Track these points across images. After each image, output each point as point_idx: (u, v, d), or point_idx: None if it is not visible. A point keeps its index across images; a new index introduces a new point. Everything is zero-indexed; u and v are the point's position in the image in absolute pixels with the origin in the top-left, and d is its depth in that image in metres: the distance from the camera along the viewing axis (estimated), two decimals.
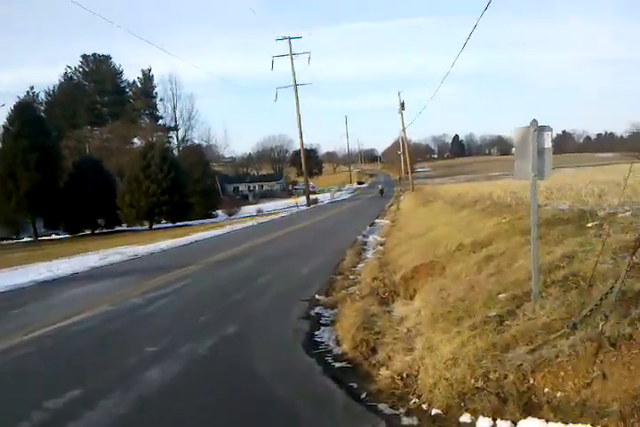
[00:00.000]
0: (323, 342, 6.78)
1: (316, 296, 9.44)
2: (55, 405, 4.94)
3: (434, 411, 4.24)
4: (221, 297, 9.63)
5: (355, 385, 5.18)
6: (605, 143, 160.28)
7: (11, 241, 54.21)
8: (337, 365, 5.85)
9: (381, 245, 16.34)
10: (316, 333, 7.22)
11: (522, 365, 4.06)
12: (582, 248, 6.51)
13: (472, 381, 4.20)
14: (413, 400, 4.55)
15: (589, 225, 8.13)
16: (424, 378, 4.72)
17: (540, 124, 4.94)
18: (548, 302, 4.92)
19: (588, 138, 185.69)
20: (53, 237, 56.34)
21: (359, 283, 10.64)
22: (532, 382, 3.93)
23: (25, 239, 55.88)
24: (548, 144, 4.91)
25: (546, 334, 4.31)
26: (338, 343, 6.67)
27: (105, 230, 54.51)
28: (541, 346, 4.15)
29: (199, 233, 26.79)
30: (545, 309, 4.81)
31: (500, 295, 5.92)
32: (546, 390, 3.84)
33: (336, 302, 8.96)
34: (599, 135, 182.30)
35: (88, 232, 54.30)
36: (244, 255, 15.37)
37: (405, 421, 4.23)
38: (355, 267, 12.71)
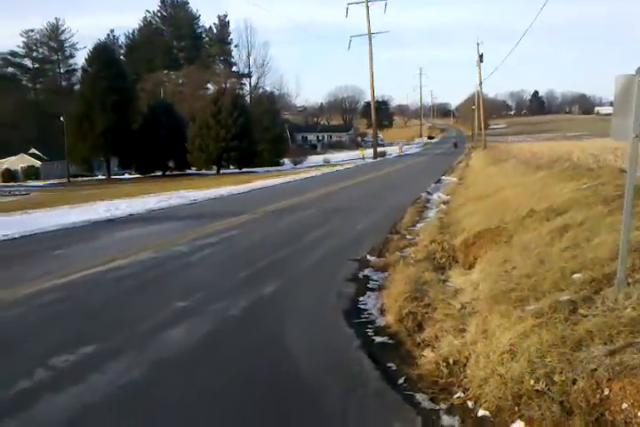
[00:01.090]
0: (366, 311, 6.17)
1: (368, 257, 8.80)
2: (61, 363, 4.58)
3: (481, 412, 3.57)
4: (268, 251, 9.14)
5: (394, 367, 4.56)
6: None
7: (85, 178, 56.40)
8: (378, 339, 5.23)
9: (445, 203, 15.40)
10: (361, 299, 6.61)
11: (596, 370, 3.28)
12: None
13: (531, 381, 3.47)
14: (458, 394, 3.88)
15: None
16: (474, 369, 4.03)
17: None
18: (636, 290, 4.06)
19: None
20: (126, 176, 58.17)
21: (416, 244, 9.90)
22: (607, 393, 3.16)
23: (99, 177, 57.90)
24: None
25: (631, 334, 3.49)
26: (382, 313, 6.04)
27: (174, 173, 55.61)
28: (624, 349, 3.34)
29: (261, 181, 26.53)
30: (631, 299, 3.96)
31: (574, 275, 5.07)
32: (624, 405, 3.07)
33: (388, 264, 8.29)
34: None
35: (159, 173, 55.63)
36: (300, 207, 14.84)
37: (446, 421, 3.58)
38: (414, 226, 11.93)
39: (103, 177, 55.59)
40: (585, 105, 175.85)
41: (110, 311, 6.05)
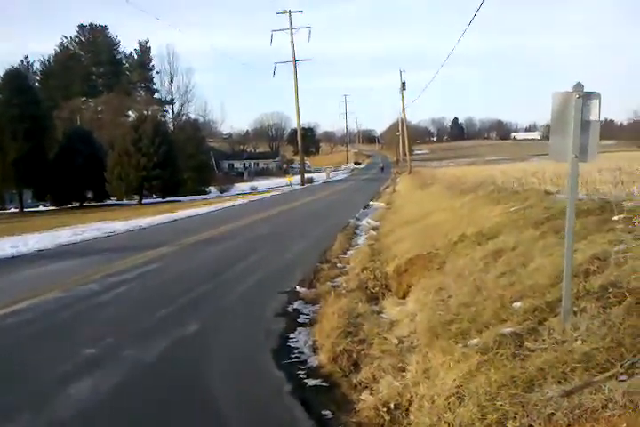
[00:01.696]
0: (297, 349, 5.67)
1: (297, 288, 8.34)
2: None
3: None
4: (189, 286, 8.49)
5: (329, 415, 4.09)
6: (604, 131, 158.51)
7: None
8: (310, 382, 4.74)
9: (375, 229, 15.22)
10: (291, 335, 6.11)
11: (554, 414, 2.94)
12: (614, 247, 5.37)
13: None
14: None
15: (615, 218, 6.99)
16: (418, 415, 3.62)
17: (585, 90, 3.75)
18: (584, 320, 3.79)
19: None
20: (41, 208, 55.14)
21: (347, 273, 9.54)
22: None
23: (11, 210, 54.59)
24: (595, 116, 3.72)
25: (586, 371, 3.19)
26: (315, 351, 5.56)
27: (93, 204, 53.24)
28: (581, 388, 3.02)
29: (185, 210, 25.59)
30: (580, 330, 3.68)
31: (515, 304, 4.80)
32: None
33: (319, 295, 7.85)
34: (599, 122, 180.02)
35: (76, 205, 53.07)
36: (226, 237, 14.21)
37: None
38: (344, 254, 11.60)
39: (16, 210, 52.40)
40: (502, 131, 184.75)
41: (3, 364, 5.24)
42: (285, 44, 61.25)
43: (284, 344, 5.81)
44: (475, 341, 4.31)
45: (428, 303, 5.95)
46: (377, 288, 8.24)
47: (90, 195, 54.44)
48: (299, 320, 6.72)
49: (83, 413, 4.13)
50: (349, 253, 11.72)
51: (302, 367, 5.12)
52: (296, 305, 7.42)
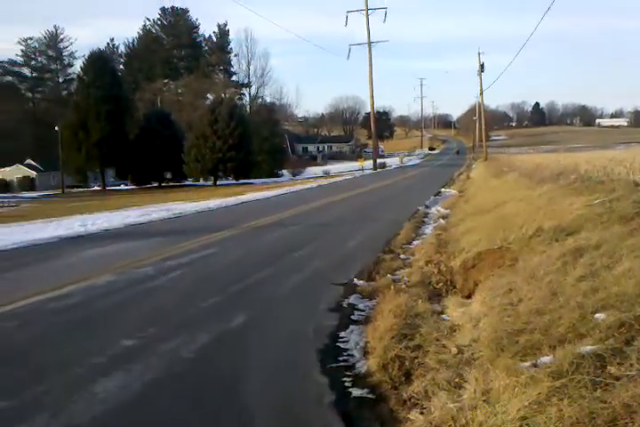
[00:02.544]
0: (346, 351, 5.20)
1: (355, 280, 7.85)
2: None
3: None
4: (244, 273, 8.19)
5: None
6: None
7: (80, 189, 55.56)
8: (355, 393, 4.27)
9: (444, 218, 14.46)
10: (342, 334, 5.65)
11: None
12: None
13: None
14: None
15: None
16: None
17: None
18: None
19: None
20: (122, 187, 57.34)
21: (410, 265, 8.95)
22: None
23: (94, 188, 57.07)
24: None
25: None
26: (365, 355, 5.07)
27: (171, 184, 54.75)
28: None
29: (255, 193, 25.64)
30: None
31: (597, 315, 4.11)
32: None
33: (377, 289, 7.34)
34: None
35: (155, 184, 54.76)
36: (290, 221, 13.90)
37: None
38: (409, 244, 11.00)
39: (99, 188, 54.75)
40: (586, 117, 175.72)
41: (34, 355, 5.06)
42: (361, 26, 60.32)
43: (333, 344, 5.36)
44: (546, 359, 3.68)
45: (496, 307, 5.32)
46: (441, 284, 7.62)
47: (169, 175, 56.03)
48: (352, 317, 6.25)
49: (101, 416, 3.84)
50: (415, 243, 11.10)
51: (349, 374, 4.65)
52: (352, 299, 6.95)
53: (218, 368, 4.73)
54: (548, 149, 73.59)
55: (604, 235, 6.36)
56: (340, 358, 5.01)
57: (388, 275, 8.21)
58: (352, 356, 5.11)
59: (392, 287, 7.23)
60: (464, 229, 11.23)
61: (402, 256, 9.78)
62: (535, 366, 3.64)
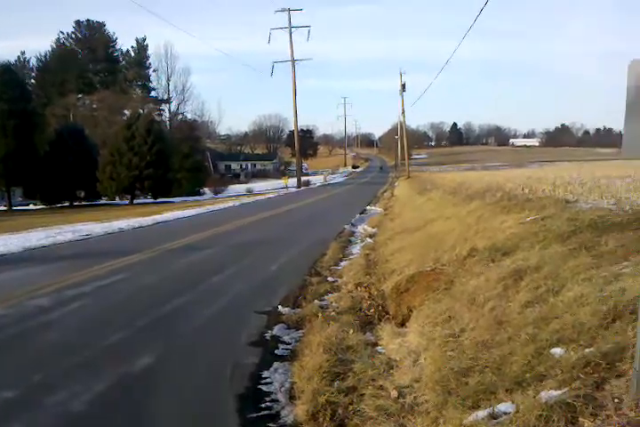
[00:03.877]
0: (270, 395, 4.48)
1: (280, 308, 7.16)
2: None
3: None
4: (154, 302, 7.29)
5: None
6: (604, 139, 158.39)
7: None
8: None
9: (371, 237, 14.05)
10: (265, 374, 4.92)
11: None
12: None
13: None
14: None
15: None
16: None
17: None
18: None
19: (586, 132, 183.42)
20: (31, 207, 53.84)
21: (339, 289, 8.36)
22: None
23: (1, 208, 53.28)
24: None
25: None
26: (292, 400, 4.37)
27: (84, 203, 51.94)
28: None
29: (173, 212, 24.35)
30: None
31: (555, 350, 3.62)
32: None
33: (304, 317, 6.70)
34: (598, 130, 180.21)
35: (67, 204, 51.78)
36: (208, 243, 12.99)
37: None
38: (337, 265, 10.43)
39: (4, 208, 51.08)
40: (500, 137, 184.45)
41: None
42: (284, 44, 60.54)
43: (254, 387, 4.63)
44: (504, 407, 3.13)
45: (436, 338, 4.77)
46: (372, 310, 7.08)
47: (82, 194, 53.16)
48: (277, 352, 5.53)
49: None
50: (343, 264, 10.54)
51: (272, 426, 3.93)
52: (276, 330, 6.24)
53: (113, 423, 3.88)
54: (467, 167, 76.10)
55: (543, 255, 6.01)
56: (263, 405, 4.29)
57: (316, 300, 7.58)
58: (276, 401, 4.39)
59: (320, 315, 6.61)
60: (393, 249, 10.81)
61: (329, 279, 9.18)
62: (494, 417, 3.06)
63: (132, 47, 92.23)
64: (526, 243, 6.89)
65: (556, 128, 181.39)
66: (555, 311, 4.30)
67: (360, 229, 15.87)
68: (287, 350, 5.61)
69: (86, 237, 15.00)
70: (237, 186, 64.72)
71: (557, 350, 3.61)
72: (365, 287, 8.16)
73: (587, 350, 3.45)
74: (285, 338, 6.02)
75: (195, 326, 6.32)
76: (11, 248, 12.62)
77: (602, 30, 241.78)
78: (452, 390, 3.60)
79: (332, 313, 6.82)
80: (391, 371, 4.54)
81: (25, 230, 17.64)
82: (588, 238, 6.17)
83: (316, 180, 66.88)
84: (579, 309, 4.12)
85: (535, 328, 4.11)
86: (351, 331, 5.90)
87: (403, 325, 6.32)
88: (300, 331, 6.24)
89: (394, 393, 3.98)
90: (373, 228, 15.71)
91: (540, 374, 3.37)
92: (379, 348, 5.34)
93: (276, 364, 5.16)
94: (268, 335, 6.06)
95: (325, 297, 7.85)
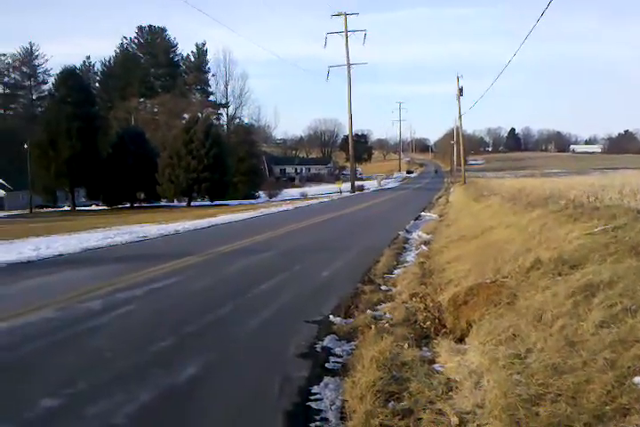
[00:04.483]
0: (319, 414, 4.23)
1: (331, 317, 6.91)
2: None
3: None
4: (204, 308, 7.18)
5: None
6: None
7: (50, 209, 53.81)
8: None
9: (426, 244, 13.63)
10: (315, 390, 4.67)
11: None
12: None
13: None
14: None
15: None
16: None
17: None
18: None
19: None
20: (93, 207, 55.74)
21: (392, 299, 8.04)
22: None
23: (64, 208, 55.43)
24: None
25: None
26: (343, 419, 4.11)
27: (143, 205, 53.36)
28: None
29: (228, 215, 24.59)
30: None
31: (637, 379, 3.23)
32: None
33: (356, 328, 6.42)
34: None
35: (127, 205, 53.34)
36: (261, 247, 12.91)
37: None
38: (390, 273, 10.11)
39: (68, 208, 53.05)
40: (560, 143, 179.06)
41: None
42: (340, 49, 60.53)
43: (303, 404, 4.38)
44: None
45: (499, 358, 4.40)
46: (428, 322, 6.71)
47: (142, 196, 54.65)
48: (327, 365, 5.28)
49: None
50: (396, 272, 10.21)
51: None
52: (327, 342, 5.98)
53: None
54: (525, 173, 74.00)
55: (617, 270, 5.54)
56: (312, 425, 4.03)
57: (368, 310, 7.28)
58: (327, 421, 4.13)
59: (373, 327, 6.32)
60: (449, 258, 10.40)
61: (383, 287, 8.87)
62: None
63: (192, 52, 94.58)
64: (596, 255, 6.40)
65: (619, 134, 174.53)
66: (635, 334, 3.89)
67: (415, 235, 15.47)
68: (338, 363, 5.35)
69: (143, 238, 15.20)
70: (292, 190, 65.14)
71: None
72: (421, 298, 7.80)
73: None
74: (337, 350, 5.75)
75: (244, 334, 6.15)
76: (70, 248, 12.89)
77: None
78: (520, 421, 3.26)
79: (386, 325, 6.52)
80: (450, 393, 4.21)
81: (85, 231, 18.10)
82: None
83: (370, 184, 66.53)
84: None
85: (613, 353, 3.71)
86: (406, 345, 5.59)
87: (461, 340, 5.96)
88: (352, 343, 5.97)
89: (454, 420, 3.66)
90: (428, 234, 15.28)
91: (623, 407, 3.00)
92: (436, 365, 5.01)
93: (326, 379, 4.91)
94: (318, 347, 5.81)
95: (379, 307, 7.55)
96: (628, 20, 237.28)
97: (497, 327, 5.30)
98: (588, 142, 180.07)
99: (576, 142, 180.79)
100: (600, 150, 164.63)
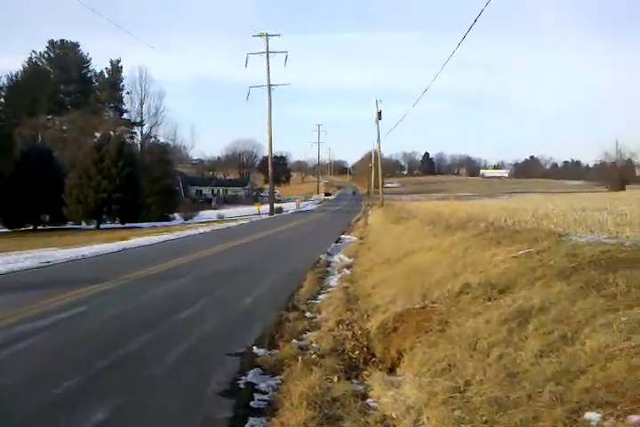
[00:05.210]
0: None
1: (254, 348, 6.46)
2: None
3: None
4: (115, 341, 6.53)
5: None
6: (571, 171, 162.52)
7: None
8: None
9: (349, 267, 13.46)
10: None
11: None
12: None
13: None
14: None
15: None
16: None
17: None
18: None
19: (554, 165, 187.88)
20: None
21: (318, 327, 7.70)
22: None
23: None
24: None
25: None
26: None
27: (48, 227, 50.20)
28: None
29: (141, 238, 23.43)
30: None
31: (588, 415, 3.04)
32: None
33: (282, 360, 6.02)
34: (566, 163, 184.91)
35: (30, 227, 50.00)
36: (177, 272, 12.23)
37: None
38: (315, 298, 9.80)
39: None
40: (471, 167, 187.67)
41: None
42: (261, 69, 60.56)
43: None
44: None
45: (438, 393, 4.14)
46: (357, 352, 6.41)
47: (47, 218, 51.44)
48: (252, 404, 4.84)
49: None
50: (321, 297, 9.90)
51: None
52: (250, 376, 5.53)
53: None
54: (439, 196, 76.57)
55: (548, 294, 5.47)
56: None
57: (294, 340, 6.90)
58: None
59: (299, 358, 5.94)
60: (374, 282, 10.22)
61: (308, 314, 8.53)
62: None
63: (106, 69, 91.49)
64: (524, 279, 6.37)
65: (525, 160, 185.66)
66: (578, 364, 3.74)
67: (336, 258, 15.27)
68: (264, 401, 4.92)
69: (47, 264, 14.06)
70: (209, 212, 63.76)
71: (593, 416, 3.04)
72: (347, 325, 7.51)
73: (631, 417, 2.88)
74: (262, 386, 5.32)
75: (159, 370, 5.58)
76: None
77: (576, 64, 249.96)
78: None
79: (313, 356, 6.16)
80: None
81: None
82: (593, 276, 5.66)
83: (289, 206, 66.39)
84: (607, 362, 3.57)
85: (558, 385, 3.54)
86: (336, 378, 5.26)
87: (392, 370, 5.70)
88: (278, 377, 5.56)
89: None
90: (350, 258, 15.12)
91: None
92: (370, 401, 4.70)
93: (251, 420, 4.48)
94: (241, 383, 5.36)
95: (304, 336, 7.19)
96: (532, 51, 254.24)
97: (431, 357, 5.07)
98: (496, 167, 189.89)
99: (485, 167, 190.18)
100: (507, 175, 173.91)
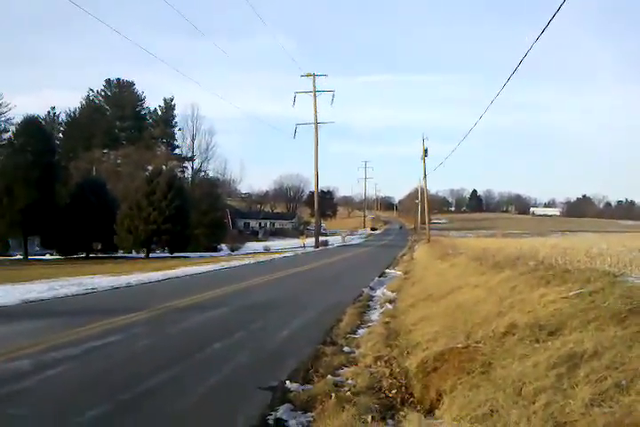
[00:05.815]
0: None
1: (287, 383, 6.22)
2: None
3: None
4: (144, 372, 6.41)
5: None
6: (625, 211, 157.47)
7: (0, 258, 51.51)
8: None
9: (391, 302, 13.10)
10: None
11: None
12: None
13: None
14: None
15: None
16: None
17: None
18: None
19: (608, 204, 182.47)
20: (47, 257, 53.67)
21: (355, 362, 7.42)
22: None
23: (17, 257, 53.21)
24: None
25: None
26: None
27: (100, 255, 51.58)
28: None
29: (188, 267, 23.67)
30: None
31: None
32: None
33: (315, 397, 5.76)
34: (619, 202, 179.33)
35: (82, 255, 51.52)
36: (217, 303, 12.16)
37: None
38: (354, 333, 9.51)
39: (20, 257, 50.88)
40: (520, 205, 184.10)
41: None
42: (307, 107, 61.74)
43: None
44: None
45: None
46: (394, 391, 6.12)
47: (99, 246, 52.96)
48: None
49: None
50: (360, 332, 9.61)
51: None
52: (281, 413, 5.30)
53: None
54: (487, 233, 75.07)
55: (600, 338, 5.08)
56: None
57: (329, 375, 6.63)
58: None
59: (333, 395, 5.68)
60: (416, 318, 9.85)
61: (345, 349, 8.24)
62: None
63: (160, 106, 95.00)
64: (575, 321, 5.97)
65: (578, 198, 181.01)
66: (633, 416, 3.38)
67: (379, 293, 14.94)
68: None
69: (91, 291, 14.26)
70: (255, 243, 64.25)
71: None
72: (386, 362, 7.22)
73: None
74: (291, 422, 5.09)
75: (187, 403, 5.41)
76: (9, 300, 11.93)
77: (628, 104, 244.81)
78: None
79: (348, 393, 5.89)
80: None
81: (31, 281, 16.99)
82: None
83: (334, 240, 66.25)
84: None
85: None
86: (369, 418, 4.98)
87: (430, 412, 5.37)
88: (310, 414, 5.32)
89: None
90: (393, 292, 14.77)
91: None
92: None
93: None
94: (271, 418, 5.13)
95: (340, 371, 6.92)
96: (583, 91, 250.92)
97: (472, 401, 4.74)
98: (547, 205, 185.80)
99: (536, 205, 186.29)
100: (559, 213, 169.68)
